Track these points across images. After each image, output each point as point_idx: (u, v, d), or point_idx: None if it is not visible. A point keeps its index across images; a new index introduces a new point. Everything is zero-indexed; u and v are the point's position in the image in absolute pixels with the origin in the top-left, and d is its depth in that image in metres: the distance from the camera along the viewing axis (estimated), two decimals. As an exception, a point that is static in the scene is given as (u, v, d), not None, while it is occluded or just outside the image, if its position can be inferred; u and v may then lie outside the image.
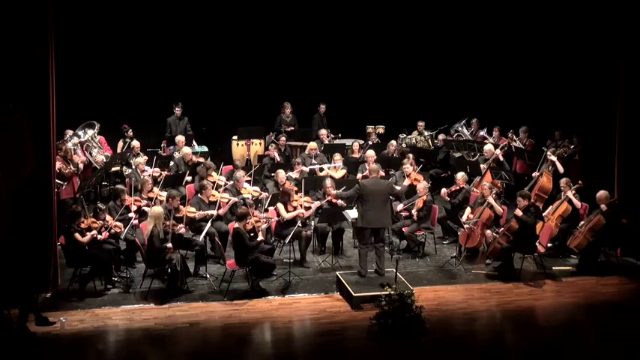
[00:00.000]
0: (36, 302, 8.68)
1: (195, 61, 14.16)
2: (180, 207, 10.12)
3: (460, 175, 11.49)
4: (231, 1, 14.12)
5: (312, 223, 10.79)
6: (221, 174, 11.98)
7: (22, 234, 8.57)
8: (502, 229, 10.28)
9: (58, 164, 10.75)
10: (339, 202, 10.79)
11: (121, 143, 13.19)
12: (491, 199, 10.51)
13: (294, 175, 12.06)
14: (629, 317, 9.05)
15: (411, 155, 12.46)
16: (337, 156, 12.61)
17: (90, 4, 13.01)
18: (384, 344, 8.26)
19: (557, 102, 13.25)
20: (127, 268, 10.01)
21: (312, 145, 12.99)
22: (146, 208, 10.30)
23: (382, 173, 11.64)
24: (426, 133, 14.59)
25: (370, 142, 13.77)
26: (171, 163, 12.39)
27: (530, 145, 13.39)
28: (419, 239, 10.90)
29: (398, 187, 11.32)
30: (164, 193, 10.73)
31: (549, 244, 10.62)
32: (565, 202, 10.76)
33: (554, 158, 11.95)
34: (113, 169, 12.56)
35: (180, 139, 12.99)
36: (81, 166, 11.75)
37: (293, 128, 14.27)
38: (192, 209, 10.28)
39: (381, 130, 14.45)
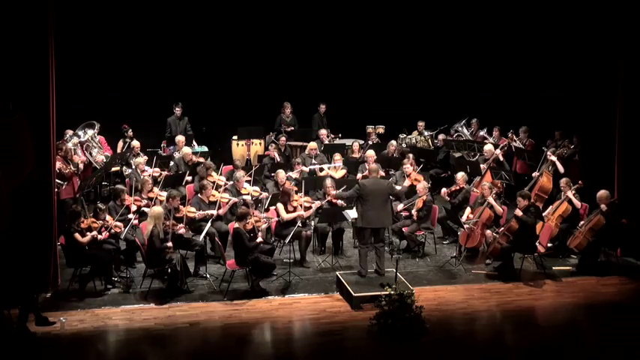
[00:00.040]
0: (36, 302, 8.68)
1: (195, 61, 14.16)
2: (180, 207, 10.13)
3: (460, 175, 11.49)
4: (231, 1, 14.13)
5: (312, 223, 10.79)
6: (221, 174, 11.99)
7: (22, 234, 8.57)
8: (502, 229, 10.28)
9: (58, 164, 10.76)
10: (339, 202, 10.79)
11: (121, 143, 13.20)
12: (491, 199, 10.51)
13: (294, 175, 12.06)
14: (629, 317, 9.05)
15: (411, 155, 12.46)
16: (337, 156, 12.61)
17: (90, 4, 13.02)
18: (384, 344, 8.26)
19: (557, 102, 13.25)
20: (127, 268, 10.01)
21: (312, 145, 12.99)
22: (145, 209, 10.31)
23: (382, 173, 11.64)
24: (426, 133, 14.59)
25: (370, 142, 13.77)
26: (171, 163, 12.39)
27: (530, 145, 13.39)
28: (419, 239, 10.91)
29: (398, 187, 11.32)
30: (164, 193, 10.74)
31: (549, 244, 10.62)
32: (565, 202, 10.76)
33: (554, 158, 11.95)
34: (113, 169, 12.56)
35: (180, 139, 12.99)
36: (81, 166, 11.76)
37: (293, 128, 14.28)
38: (192, 209, 10.28)
39: (381, 130, 14.45)
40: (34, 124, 8.71)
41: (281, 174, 11.45)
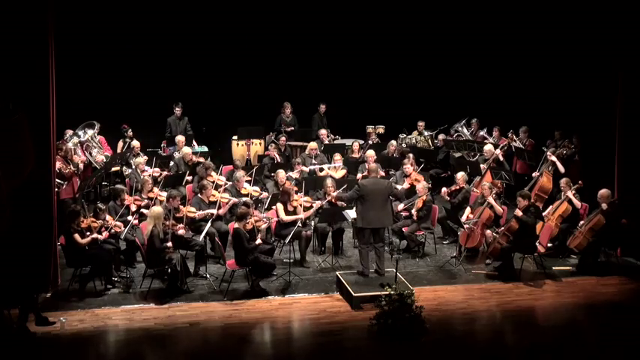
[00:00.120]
0: (36, 302, 8.68)
1: (195, 61, 14.15)
2: (181, 207, 10.12)
3: (460, 175, 11.50)
4: (231, 1, 14.13)
5: (312, 223, 10.79)
6: (221, 174, 11.99)
7: (22, 234, 8.57)
8: (502, 229, 10.28)
9: (58, 164, 10.76)
10: (340, 202, 10.78)
11: (121, 143, 13.20)
12: (491, 199, 10.51)
13: (294, 175, 12.06)
14: (629, 317, 9.05)
15: (411, 155, 12.46)
16: (337, 156, 12.62)
17: (90, 4, 13.02)
18: (384, 344, 8.26)
19: (557, 102, 13.25)
20: (127, 268, 10.01)
21: (312, 145, 13.00)
22: (144, 210, 10.30)
23: (382, 173, 11.64)
24: (426, 133, 14.59)
25: (370, 142, 13.77)
26: (171, 163, 12.40)
27: (530, 145, 13.39)
28: (419, 239, 10.90)
29: (399, 187, 11.32)
30: (164, 193, 10.74)
31: (549, 244, 10.62)
32: (565, 202, 10.76)
33: (554, 158, 11.95)
34: (113, 169, 12.56)
35: (180, 139, 13.00)
36: (81, 166, 11.76)
37: (293, 128, 14.28)
38: (193, 209, 10.28)
39: (381, 130, 14.44)
40: (34, 124, 8.72)
41: (281, 174, 11.46)
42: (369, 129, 14.24)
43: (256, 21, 14.34)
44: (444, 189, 11.58)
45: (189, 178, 11.98)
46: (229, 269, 9.60)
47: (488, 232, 10.40)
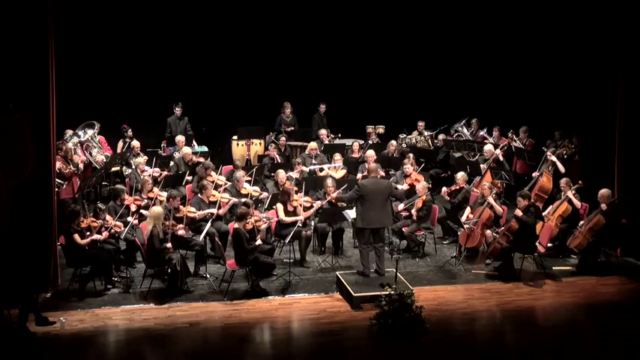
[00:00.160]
0: (36, 302, 8.68)
1: (195, 61, 14.15)
2: (181, 207, 10.12)
3: (460, 175, 11.50)
4: (231, 1, 14.12)
5: (312, 223, 10.79)
6: (221, 174, 11.99)
7: (22, 234, 8.57)
8: (502, 229, 10.28)
9: (58, 164, 10.76)
10: (340, 202, 10.78)
11: (121, 143, 13.20)
12: (491, 199, 10.51)
13: (295, 175, 12.06)
14: (629, 317, 9.05)
15: (411, 155, 12.46)
16: (337, 156, 12.62)
17: (90, 4, 13.02)
18: (384, 344, 8.26)
19: (557, 102, 13.25)
20: (127, 268, 10.01)
21: (313, 145, 13.00)
22: (144, 211, 10.30)
23: (382, 173, 11.64)
24: (426, 133, 14.59)
25: (370, 142, 13.77)
26: (171, 163, 12.40)
27: (530, 145, 13.39)
28: (419, 239, 10.90)
29: (399, 186, 11.32)
30: (164, 193, 10.74)
31: (549, 244, 10.62)
32: (565, 202, 10.76)
33: (554, 158, 11.95)
34: (113, 169, 12.56)
35: (180, 139, 13.00)
36: (81, 166, 11.76)
37: (293, 128, 14.28)
38: (193, 209, 10.28)
39: (381, 130, 14.44)
40: (34, 124, 8.71)
41: (281, 174, 11.46)
42: (369, 129, 14.24)
43: (256, 21, 14.34)
44: (444, 189, 11.58)
45: (189, 178, 11.98)
46: (229, 269, 9.60)
47: (488, 232, 10.40)
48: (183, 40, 14.00)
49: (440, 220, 11.18)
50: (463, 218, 10.60)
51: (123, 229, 9.86)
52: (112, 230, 9.72)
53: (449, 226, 11.27)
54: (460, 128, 14.49)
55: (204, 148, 13.51)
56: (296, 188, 10.92)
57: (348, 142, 13.85)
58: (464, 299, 9.53)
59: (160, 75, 13.70)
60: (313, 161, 12.63)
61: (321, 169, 12.45)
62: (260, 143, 14.08)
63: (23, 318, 8.37)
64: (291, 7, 14.15)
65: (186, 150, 12.51)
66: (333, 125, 14.50)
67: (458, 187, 11.40)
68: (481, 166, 12.43)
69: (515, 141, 13.24)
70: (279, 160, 12.85)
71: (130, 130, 13.12)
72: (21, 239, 8.51)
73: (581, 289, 9.95)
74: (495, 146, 12.78)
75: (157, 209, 9.55)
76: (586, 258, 10.42)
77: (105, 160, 12.45)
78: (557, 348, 8.33)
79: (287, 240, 10.23)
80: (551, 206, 11.02)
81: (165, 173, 12.01)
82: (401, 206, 11.04)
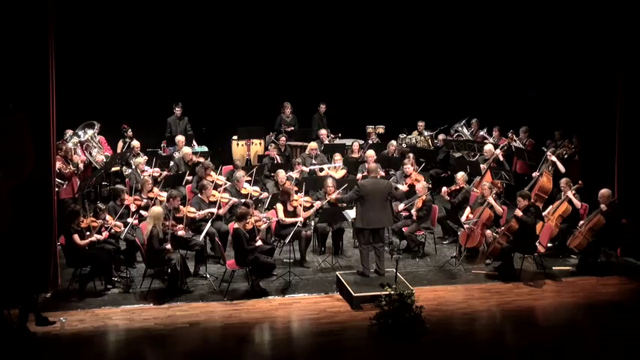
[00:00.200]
0: (36, 302, 8.68)
1: (195, 61, 14.16)
2: (181, 207, 10.12)
3: (460, 175, 11.50)
4: (231, 1, 14.13)
5: (312, 223, 10.79)
6: (221, 174, 11.99)
7: (22, 234, 8.57)
8: (502, 229, 10.28)
9: (58, 164, 10.76)
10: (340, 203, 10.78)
11: (120, 143, 13.20)
12: (491, 199, 10.51)
13: (295, 175, 12.06)
14: (629, 317, 9.05)
15: (411, 155, 12.46)
16: (337, 156, 12.62)
17: (90, 4, 13.02)
18: (384, 344, 8.26)
19: (557, 102, 13.25)
20: (127, 268, 10.01)
21: (313, 145, 13.00)
22: (143, 212, 10.30)
23: (382, 173, 11.64)
24: (426, 133, 14.59)
25: (370, 142, 13.77)
26: (171, 163, 12.39)
27: (530, 145, 13.39)
28: (419, 239, 10.90)
29: (400, 186, 11.32)
30: (164, 193, 10.74)
31: (549, 244, 10.62)
32: (565, 202, 10.76)
33: (554, 158, 11.95)
34: (113, 169, 12.56)
35: (180, 139, 13.00)
36: (81, 166, 11.76)
37: (293, 128, 14.28)
38: (193, 209, 10.28)
39: (381, 130, 14.44)
40: (34, 124, 8.70)
41: (281, 174, 11.46)
42: (369, 129, 14.24)
43: (256, 21, 14.35)
44: (444, 189, 11.58)
45: (189, 178, 11.98)
46: (229, 269, 9.60)
47: (488, 232, 10.40)
48: (183, 40, 14.00)
49: (440, 220, 11.18)
50: (463, 218, 10.60)
51: (123, 229, 9.86)
52: (112, 230, 9.73)
53: (449, 226, 11.27)
54: (460, 128, 14.49)
55: (204, 148, 13.51)
56: (296, 188, 10.92)
57: (348, 142, 13.85)
58: (464, 299, 9.53)
59: (160, 75, 13.71)
60: (313, 161, 12.63)
61: (321, 169, 12.45)
62: (260, 143, 14.08)
63: (23, 318, 8.37)
64: (291, 7, 14.15)
65: (186, 150, 12.51)
66: (333, 125, 14.50)
67: (458, 187, 11.40)
68: (481, 166, 12.43)
69: (515, 141, 13.24)
70: (279, 160, 12.85)
71: (130, 130, 13.12)
72: (21, 239, 8.52)
73: (581, 289, 9.95)
74: (495, 146, 12.78)
75: (157, 209, 9.55)
76: (586, 258, 10.42)
77: (105, 160, 12.45)
78: (557, 348, 8.33)
79: (287, 240, 10.23)
80: (551, 206, 11.01)
81: (165, 173, 12.01)
82: (401, 206, 11.04)
